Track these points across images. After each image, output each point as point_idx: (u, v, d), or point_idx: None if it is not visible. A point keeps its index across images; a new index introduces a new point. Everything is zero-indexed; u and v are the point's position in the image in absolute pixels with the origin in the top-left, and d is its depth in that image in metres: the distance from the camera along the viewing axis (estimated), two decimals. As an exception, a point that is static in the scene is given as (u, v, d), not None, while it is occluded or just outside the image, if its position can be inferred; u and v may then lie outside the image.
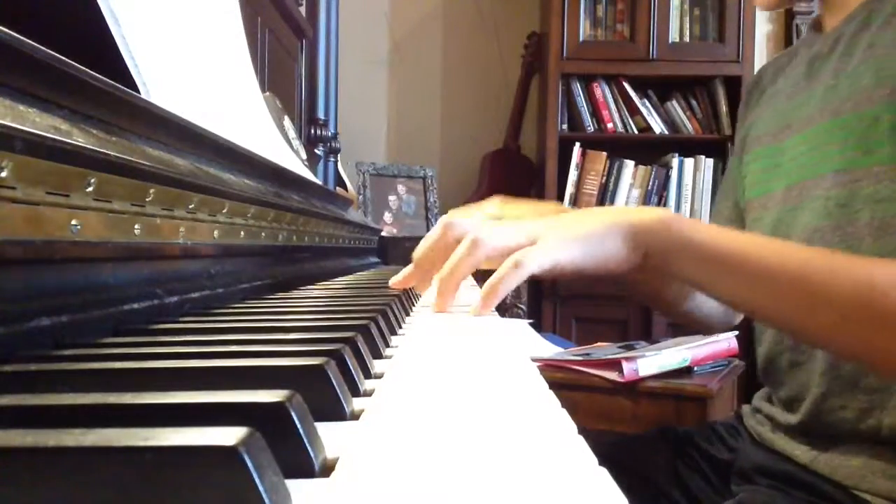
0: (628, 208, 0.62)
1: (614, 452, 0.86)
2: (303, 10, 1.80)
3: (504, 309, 2.11)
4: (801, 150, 0.73)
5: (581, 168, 2.45)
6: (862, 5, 0.70)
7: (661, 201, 2.45)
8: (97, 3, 0.52)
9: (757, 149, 0.82)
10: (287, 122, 1.26)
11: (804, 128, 0.73)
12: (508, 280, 0.56)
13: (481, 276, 0.64)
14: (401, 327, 0.57)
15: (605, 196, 2.45)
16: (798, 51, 0.83)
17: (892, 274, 0.51)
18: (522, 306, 2.15)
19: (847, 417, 0.65)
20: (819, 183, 0.69)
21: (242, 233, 0.64)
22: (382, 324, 0.47)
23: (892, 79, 0.63)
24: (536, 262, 0.56)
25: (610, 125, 2.44)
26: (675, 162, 2.44)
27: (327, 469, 0.21)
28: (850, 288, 0.52)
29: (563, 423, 0.25)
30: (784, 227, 0.75)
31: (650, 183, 2.45)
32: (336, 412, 0.28)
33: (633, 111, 2.44)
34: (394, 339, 0.49)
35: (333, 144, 1.86)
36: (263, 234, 0.71)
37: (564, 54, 2.38)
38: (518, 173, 2.66)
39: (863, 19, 0.69)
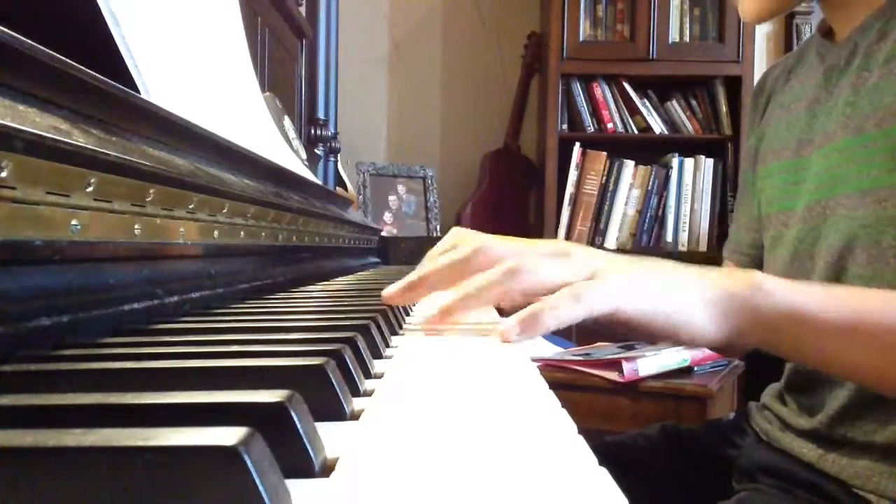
0: (702, 268, 0.52)
1: (614, 449, 0.86)
2: (303, 10, 1.80)
3: (511, 311, 2.10)
4: (824, 166, 0.70)
5: (581, 168, 2.45)
6: (874, 15, 0.68)
7: (661, 201, 2.44)
8: (97, 3, 0.52)
9: (775, 163, 0.79)
10: (287, 122, 1.26)
11: (825, 143, 0.70)
12: (562, 313, 0.45)
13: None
14: (401, 327, 0.57)
15: (605, 196, 2.45)
16: (806, 55, 0.81)
17: None
18: (522, 306, 2.15)
19: (864, 428, 0.64)
20: (842, 202, 0.67)
21: (242, 233, 0.64)
22: (382, 324, 0.47)
23: None
24: (599, 303, 0.46)
25: (610, 125, 2.44)
26: (675, 162, 2.44)
27: (327, 469, 0.21)
28: None
29: (563, 423, 0.25)
30: (807, 245, 0.72)
31: (650, 183, 2.45)
32: (336, 412, 0.28)
33: (633, 111, 2.44)
34: (394, 339, 0.49)
35: (333, 144, 1.86)
36: (263, 234, 0.71)
37: (564, 54, 2.38)
38: (518, 173, 2.66)
39: (878, 29, 0.67)
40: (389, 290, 0.54)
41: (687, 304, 0.48)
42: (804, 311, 0.49)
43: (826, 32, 0.78)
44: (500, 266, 0.48)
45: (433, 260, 0.54)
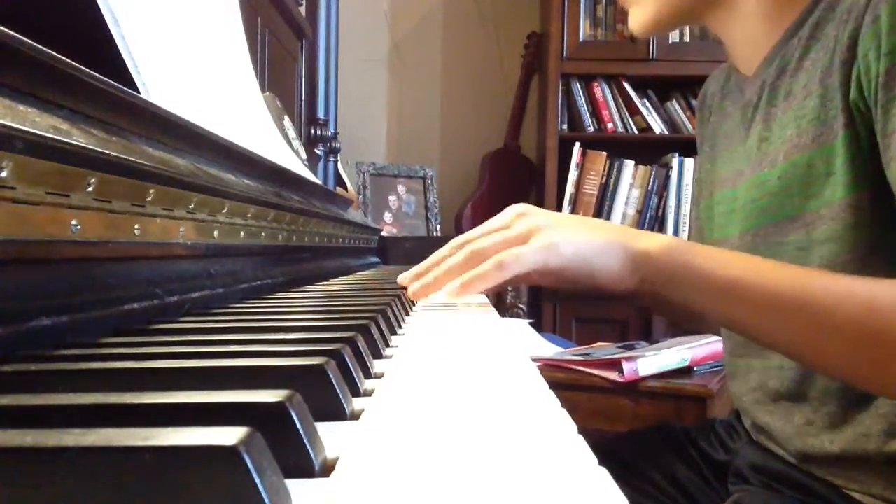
0: (633, 229, 0.63)
1: (614, 449, 0.86)
2: (303, 10, 1.80)
3: (504, 309, 2.11)
4: (748, 198, 0.73)
5: (581, 168, 2.45)
6: (774, 49, 0.70)
7: (661, 201, 2.45)
8: (97, 3, 0.52)
9: (721, 192, 0.82)
10: (287, 122, 1.26)
11: (750, 175, 0.73)
12: (487, 279, 0.57)
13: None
14: (401, 327, 0.57)
15: (605, 196, 2.45)
16: (730, 76, 0.82)
17: (892, 294, 0.50)
18: (522, 306, 2.15)
19: (834, 451, 0.65)
20: (770, 230, 0.69)
21: (242, 233, 0.64)
22: (382, 324, 0.47)
23: (812, 125, 0.63)
24: (522, 263, 0.57)
25: (610, 125, 2.44)
26: (675, 162, 2.44)
27: (327, 469, 0.21)
28: (853, 313, 0.51)
29: (563, 423, 0.25)
30: None
31: (650, 183, 2.45)
32: (336, 412, 0.28)
33: (633, 111, 2.44)
34: (394, 339, 0.49)
35: (333, 144, 1.86)
36: (263, 234, 0.71)
37: (564, 54, 2.38)
38: (518, 173, 2.66)
39: (778, 64, 0.69)
40: (415, 286, 0.64)
41: (604, 255, 0.57)
42: (693, 266, 0.56)
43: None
44: (459, 254, 0.61)
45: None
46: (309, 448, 0.22)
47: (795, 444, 0.68)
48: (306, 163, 1.29)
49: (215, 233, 0.57)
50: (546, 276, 0.59)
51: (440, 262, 0.64)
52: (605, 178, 2.46)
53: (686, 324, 0.86)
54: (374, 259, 1.59)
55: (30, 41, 0.35)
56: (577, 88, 2.44)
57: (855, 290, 0.52)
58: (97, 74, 0.42)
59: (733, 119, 0.80)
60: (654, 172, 2.45)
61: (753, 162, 0.72)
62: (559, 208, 2.43)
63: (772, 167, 0.68)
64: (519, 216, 0.63)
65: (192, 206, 0.52)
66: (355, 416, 0.28)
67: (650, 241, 0.58)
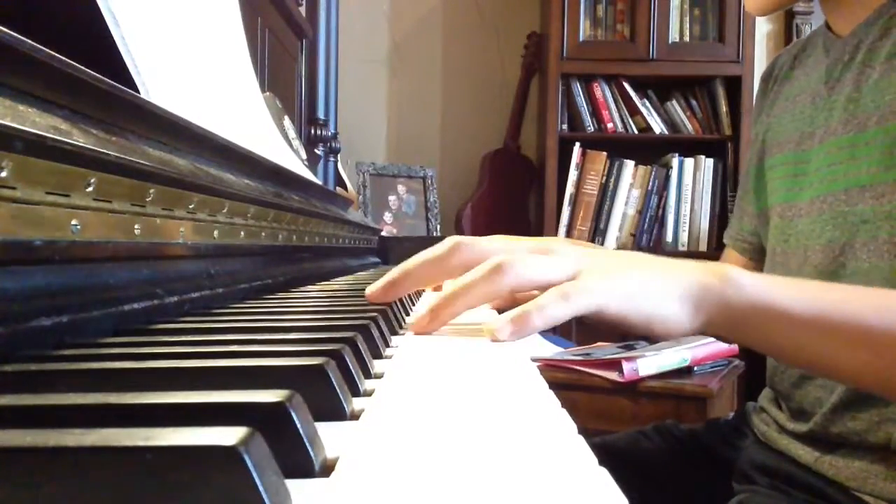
0: (682, 261, 0.53)
1: (614, 449, 0.86)
2: (303, 10, 1.80)
3: (504, 309, 2.10)
4: (825, 162, 0.71)
5: (581, 168, 2.45)
6: (878, 11, 0.68)
7: (661, 201, 2.44)
8: (97, 3, 0.52)
9: (779, 154, 0.80)
10: (287, 122, 1.26)
11: (827, 138, 0.71)
12: (551, 312, 0.46)
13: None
14: (401, 327, 0.57)
15: (605, 196, 2.45)
16: (812, 45, 0.81)
17: None
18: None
19: (857, 429, 0.65)
20: (841, 197, 0.68)
21: (242, 233, 0.64)
22: (382, 324, 0.47)
23: None
24: (582, 304, 0.46)
25: (610, 125, 2.44)
26: (675, 162, 2.44)
27: (327, 469, 0.21)
28: None
29: (563, 423, 0.25)
30: (806, 239, 0.73)
31: (650, 183, 2.45)
32: (336, 412, 0.28)
33: (633, 111, 2.44)
34: (394, 339, 0.49)
35: (333, 144, 1.86)
36: (263, 234, 0.71)
37: (564, 54, 2.38)
38: (518, 173, 2.66)
39: (881, 26, 0.67)
40: (372, 289, 0.55)
41: (663, 299, 0.49)
42: (773, 303, 0.49)
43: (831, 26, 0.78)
44: (485, 263, 0.48)
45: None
46: (309, 448, 0.22)
47: (820, 417, 0.67)
48: (306, 163, 1.29)
49: (215, 233, 0.57)
50: (598, 321, 0.49)
51: (433, 268, 0.53)
52: (605, 178, 2.46)
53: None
54: (374, 259, 1.59)
55: (30, 41, 0.35)
56: (577, 88, 2.44)
57: None
58: (97, 74, 0.42)
59: (810, 80, 0.78)
60: (654, 172, 2.45)
61: (836, 125, 0.70)
62: (559, 208, 2.43)
63: (860, 130, 0.66)
64: (538, 249, 0.52)
65: (192, 206, 0.52)
66: (355, 416, 0.28)
67: (710, 275, 0.50)
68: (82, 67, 0.40)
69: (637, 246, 2.44)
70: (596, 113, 2.45)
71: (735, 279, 0.50)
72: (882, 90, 0.65)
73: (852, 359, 0.50)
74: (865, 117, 0.66)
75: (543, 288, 0.48)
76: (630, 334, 0.52)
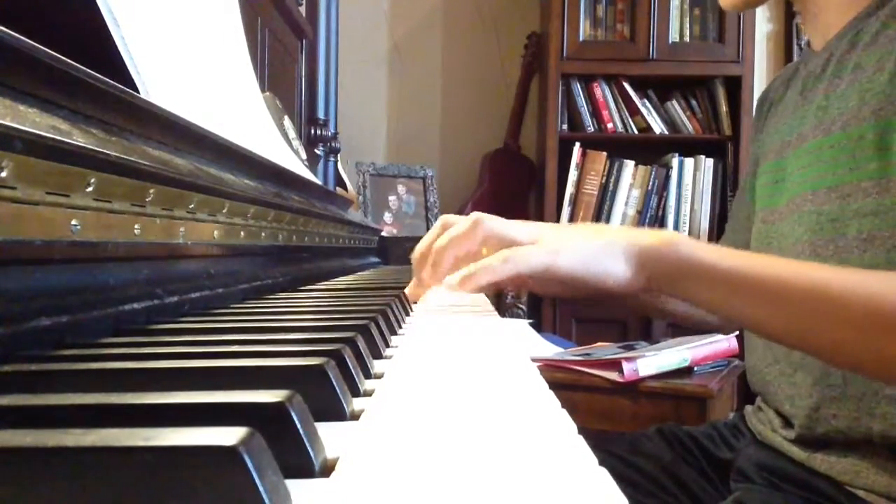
0: (635, 229, 0.64)
1: (614, 449, 0.86)
2: (303, 10, 1.80)
3: (504, 309, 2.11)
4: (797, 166, 0.75)
5: (581, 168, 2.45)
6: (850, 24, 0.72)
7: (661, 201, 2.44)
8: (97, 4, 0.52)
9: (765, 163, 0.84)
10: (287, 122, 1.26)
11: (800, 145, 0.75)
12: (492, 271, 0.57)
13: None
14: (401, 327, 0.57)
15: (605, 196, 2.45)
16: (799, 65, 0.85)
17: None
18: (522, 306, 2.15)
19: (840, 427, 0.66)
20: (811, 198, 0.71)
21: (242, 233, 0.64)
22: (382, 324, 0.47)
23: (875, 97, 0.64)
24: (528, 261, 0.57)
25: (610, 125, 2.44)
26: (675, 162, 2.43)
27: (327, 469, 0.21)
28: (865, 303, 0.51)
29: (563, 423, 0.25)
30: (780, 238, 0.77)
31: (650, 183, 2.45)
32: (336, 412, 0.28)
33: (633, 111, 2.44)
34: (394, 339, 0.49)
35: (333, 144, 1.86)
36: (263, 234, 0.71)
37: (564, 54, 2.38)
38: (518, 173, 2.66)
39: (850, 39, 0.71)
40: (415, 285, 0.68)
41: (608, 257, 0.57)
42: (700, 261, 0.56)
43: (812, 43, 0.82)
44: (466, 219, 0.61)
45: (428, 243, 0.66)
46: (309, 448, 0.22)
47: (803, 419, 0.69)
48: (306, 163, 1.29)
49: (215, 233, 0.57)
50: (551, 280, 0.59)
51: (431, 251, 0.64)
52: (605, 178, 2.46)
53: (693, 325, 0.87)
54: (374, 259, 1.59)
55: (30, 41, 0.35)
56: (577, 88, 2.44)
57: (867, 281, 0.53)
58: (97, 74, 0.42)
59: (793, 94, 0.82)
60: (654, 172, 2.45)
61: (807, 131, 0.74)
62: (559, 208, 2.43)
63: (826, 135, 0.70)
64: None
65: (192, 206, 0.52)
66: (355, 416, 0.28)
67: (654, 238, 0.58)
68: (82, 67, 0.40)
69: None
70: (596, 113, 2.45)
71: (674, 242, 0.57)
72: (847, 98, 0.69)
73: (772, 313, 0.55)
74: (830, 122, 0.70)
75: (507, 244, 0.59)
76: (582, 293, 0.61)
